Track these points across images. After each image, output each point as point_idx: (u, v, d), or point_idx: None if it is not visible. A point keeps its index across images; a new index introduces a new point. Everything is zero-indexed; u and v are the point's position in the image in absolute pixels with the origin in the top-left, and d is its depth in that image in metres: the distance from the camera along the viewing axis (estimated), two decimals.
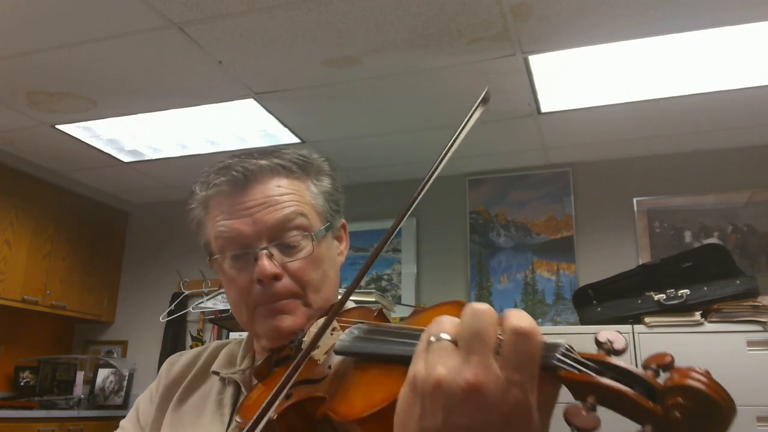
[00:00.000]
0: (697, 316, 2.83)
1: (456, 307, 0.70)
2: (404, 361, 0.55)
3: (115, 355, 4.82)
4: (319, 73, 2.98)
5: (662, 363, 0.46)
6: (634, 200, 3.87)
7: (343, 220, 0.98)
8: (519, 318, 0.49)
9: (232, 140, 3.79)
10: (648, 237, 3.80)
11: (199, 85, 3.12)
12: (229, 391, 0.93)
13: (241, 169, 0.87)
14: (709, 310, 2.84)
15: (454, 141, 0.70)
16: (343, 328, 0.76)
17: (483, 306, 0.50)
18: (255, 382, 0.86)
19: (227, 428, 0.88)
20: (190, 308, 4.45)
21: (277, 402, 0.63)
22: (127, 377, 4.56)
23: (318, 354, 0.74)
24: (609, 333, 0.50)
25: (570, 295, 3.72)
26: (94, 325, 4.94)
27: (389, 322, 0.82)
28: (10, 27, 2.66)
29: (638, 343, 2.86)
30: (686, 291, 2.86)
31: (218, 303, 4.20)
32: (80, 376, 4.56)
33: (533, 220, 4.08)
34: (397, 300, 4.10)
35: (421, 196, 0.69)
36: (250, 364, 0.94)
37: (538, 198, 4.10)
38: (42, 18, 2.59)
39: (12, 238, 4.11)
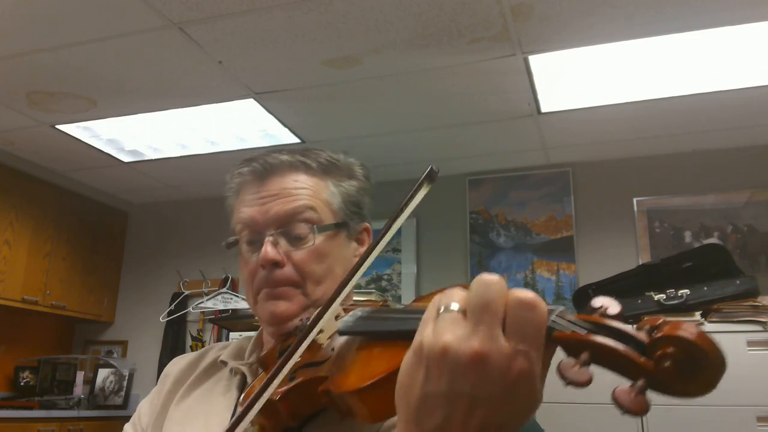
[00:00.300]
0: (697, 316, 2.83)
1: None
2: (405, 336, 0.56)
3: (115, 355, 4.82)
4: (319, 73, 2.98)
5: (655, 324, 0.47)
6: (634, 200, 3.87)
7: (366, 225, 1.01)
8: (523, 291, 0.50)
9: (232, 140, 3.79)
10: (648, 237, 3.80)
11: (199, 85, 3.12)
12: (236, 381, 0.95)
13: (262, 161, 0.95)
14: (709, 310, 2.84)
15: (396, 218, 0.71)
16: (347, 313, 0.77)
17: (492, 277, 0.51)
18: (261, 371, 0.88)
19: (232, 415, 0.89)
20: (190, 308, 4.46)
21: (275, 382, 0.63)
22: (127, 377, 4.56)
23: (322, 338, 0.75)
24: (604, 299, 0.50)
25: (570, 295, 3.72)
26: (94, 325, 4.94)
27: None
28: (10, 27, 2.66)
29: None
30: (686, 291, 2.86)
31: (218, 303, 4.20)
32: (80, 376, 4.56)
33: (533, 220, 4.08)
34: (397, 300, 4.10)
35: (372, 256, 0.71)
36: (258, 356, 0.96)
37: (538, 198, 4.10)
38: (42, 18, 2.59)
39: (12, 238, 4.11)
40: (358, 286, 4.25)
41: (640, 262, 3.57)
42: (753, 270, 3.47)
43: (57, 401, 4.27)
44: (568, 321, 0.50)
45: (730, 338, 2.75)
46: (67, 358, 4.76)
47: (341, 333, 0.73)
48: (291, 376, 0.71)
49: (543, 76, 3.00)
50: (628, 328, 0.47)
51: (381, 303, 0.87)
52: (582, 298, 3.24)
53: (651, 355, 0.45)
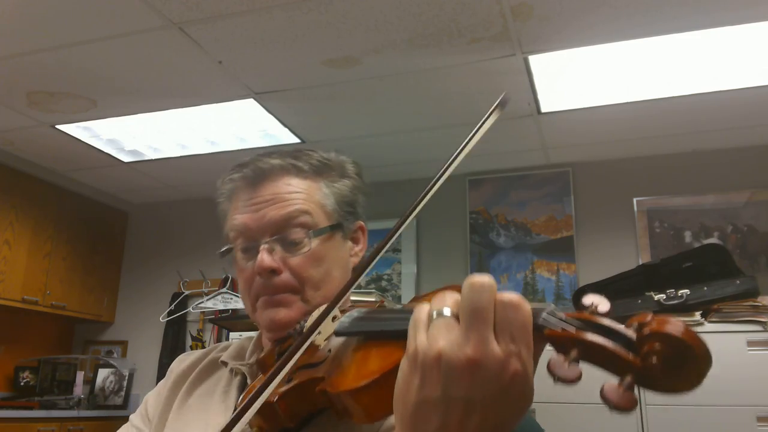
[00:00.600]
0: (697, 316, 2.83)
1: (457, 290, 0.71)
2: (401, 336, 0.56)
3: (115, 355, 4.82)
4: (319, 73, 2.98)
5: (644, 321, 0.47)
6: (634, 200, 3.87)
7: (361, 223, 1.01)
8: (507, 293, 0.51)
9: (232, 140, 3.79)
10: (648, 237, 3.80)
11: (199, 85, 3.12)
12: (236, 382, 0.96)
13: (253, 167, 0.93)
14: (709, 310, 2.84)
15: (468, 143, 0.71)
16: (343, 314, 0.77)
17: (482, 279, 0.51)
18: (260, 374, 0.88)
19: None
20: (190, 308, 4.46)
21: (273, 384, 0.63)
22: (127, 377, 4.56)
23: (319, 340, 0.75)
24: (593, 296, 0.51)
25: (570, 295, 3.72)
26: (94, 325, 4.94)
27: None
28: (10, 27, 2.66)
29: None
30: (686, 291, 2.86)
31: (218, 303, 4.20)
32: (80, 376, 4.56)
33: (533, 220, 4.08)
34: (397, 300, 4.10)
35: (426, 198, 0.70)
36: (258, 357, 0.96)
37: (538, 198, 4.10)
38: (42, 18, 2.59)
39: (12, 238, 4.11)
40: (357, 286, 4.25)
41: (640, 262, 3.57)
42: (753, 270, 3.47)
43: (57, 401, 4.27)
44: (558, 319, 0.50)
45: (730, 338, 2.75)
46: (67, 358, 4.76)
47: (338, 334, 0.73)
48: (288, 377, 0.71)
49: (543, 76, 3.00)
50: (617, 325, 0.48)
51: (378, 304, 0.86)
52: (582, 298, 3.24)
53: (638, 352, 0.45)
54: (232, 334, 3.83)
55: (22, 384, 4.41)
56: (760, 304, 2.78)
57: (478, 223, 4.19)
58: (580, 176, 4.05)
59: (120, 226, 5.08)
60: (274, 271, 0.89)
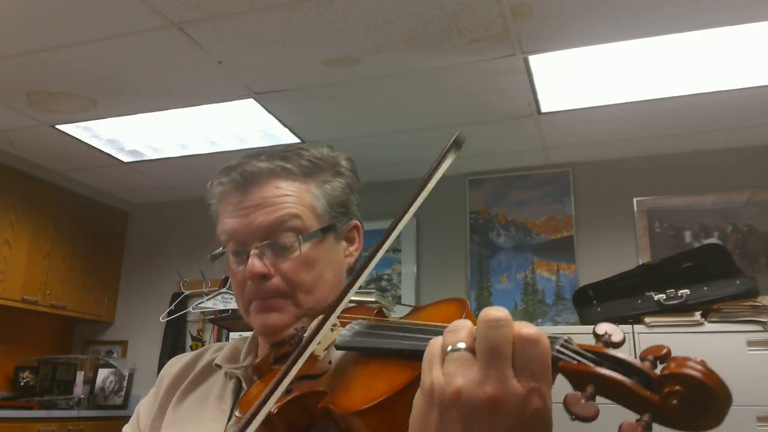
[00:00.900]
0: (697, 316, 2.83)
1: (457, 306, 0.70)
2: (406, 355, 0.56)
3: (115, 355, 4.82)
4: (319, 73, 2.98)
5: (659, 354, 0.47)
6: (634, 200, 3.87)
7: (355, 221, 0.99)
8: (525, 326, 0.50)
9: (232, 140, 3.79)
10: (648, 237, 3.80)
11: (199, 85, 3.12)
12: (231, 386, 0.94)
13: (240, 171, 0.92)
14: (709, 310, 2.84)
15: (424, 186, 0.71)
16: (343, 325, 0.76)
17: (498, 314, 0.50)
18: (255, 378, 0.87)
19: (228, 422, 0.89)
20: (190, 308, 4.45)
21: (274, 397, 0.63)
22: (127, 377, 4.56)
23: (319, 350, 0.74)
24: (607, 326, 0.51)
25: (570, 295, 3.72)
26: (94, 325, 4.94)
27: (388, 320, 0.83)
28: (10, 27, 2.66)
29: (638, 343, 2.86)
30: (686, 291, 2.86)
31: (218, 303, 4.20)
32: (80, 376, 4.56)
33: (533, 220, 4.08)
34: (397, 300, 4.10)
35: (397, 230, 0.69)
36: (253, 360, 0.96)
37: (538, 198, 4.10)
38: (42, 18, 2.59)
39: (12, 238, 4.11)
40: (354, 285, 4.24)
41: (640, 262, 3.57)
42: (753, 270, 3.47)
43: (57, 401, 4.27)
44: (573, 351, 0.50)
45: (730, 338, 2.75)
46: (67, 358, 4.76)
47: (338, 347, 0.72)
48: (288, 388, 0.71)
49: (543, 76, 3.00)
50: (633, 360, 0.47)
51: (375, 310, 0.84)
52: (582, 298, 3.24)
53: (657, 391, 0.45)
54: (232, 334, 3.83)
55: (22, 384, 4.41)
56: (760, 304, 2.78)
57: (478, 223, 4.19)
58: (580, 176, 4.05)
59: (120, 226, 5.08)
60: (264, 277, 0.88)
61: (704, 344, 2.77)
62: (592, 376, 0.47)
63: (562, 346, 0.50)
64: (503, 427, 0.48)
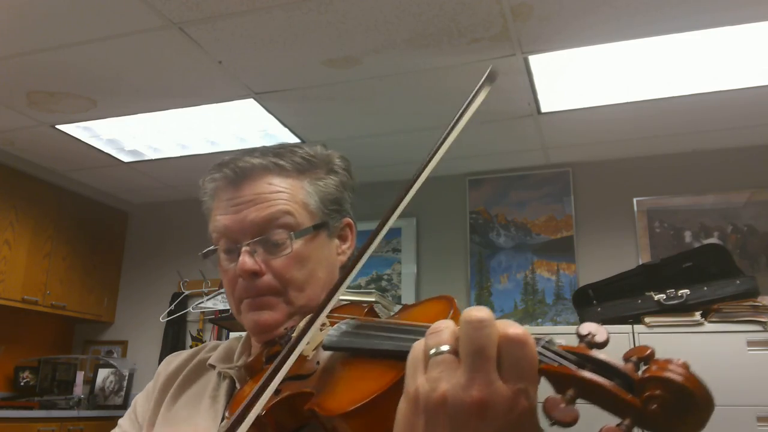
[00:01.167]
0: (697, 316, 2.83)
1: (444, 304, 0.69)
2: (391, 356, 0.55)
3: (115, 355, 4.82)
4: (319, 73, 2.98)
5: (642, 355, 0.46)
6: (634, 200, 3.87)
7: (348, 219, 0.99)
8: (511, 326, 0.48)
9: (232, 140, 3.79)
10: (648, 237, 3.80)
11: (199, 85, 3.12)
12: (224, 386, 0.94)
13: (232, 167, 0.91)
14: (709, 310, 2.84)
15: (458, 120, 0.69)
16: (333, 324, 0.75)
17: (480, 314, 0.49)
18: (248, 378, 0.87)
19: (221, 422, 0.89)
20: (190, 308, 4.45)
21: (263, 398, 0.63)
22: (127, 377, 4.56)
23: (307, 350, 0.74)
24: (591, 326, 0.50)
25: (570, 295, 3.72)
26: (94, 325, 4.94)
27: (380, 318, 0.82)
28: (10, 27, 2.66)
29: (638, 343, 2.86)
30: (686, 291, 2.86)
31: (218, 303, 4.20)
32: (80, 376, 4.56)
33: (533, 220, 4.08)
34: (397, 300, 4.10)
35: (419, 182, 0.68)
36: (246, 360, 0.95)
37: (538, 198, 4.10)
38: (42, 18, 2.59)
39: (12, 238, 4.11)
40: (357, 286, 4.24)
41: (640, 262, 3.57)
42: (753, 270, 3.47)
43: (57, 401, 4.27)
44: (555, 352, 0.49)
45: (730, 338, 2.75)
46: (67, 358, 4.76)
47: (326, 348, 0.71)
48: (276, 389, 0.70)
49: (543, 76, 3.00)
50: (616, 362, 0.46)
51: (367, 308, 0.84)
52: (582, 298, 3.24)
53: (638, 394, 0.44)
54: (232, 334, 3.83)
55: (22, 384, 4.41)
56: (760, 304, 2.78)
57: (478, 223, 4.19)
58: (580, 176, 4.05)
59: (120, 226, 5.08)
60: (256, 274, 0.87)
61: (704, 344, 2.77)
62: (573, 379, 0.46)
63: (543, 347, 0.49)
64: (491, 429, 0.47)
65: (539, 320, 3.87)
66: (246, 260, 0.86)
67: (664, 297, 2.89)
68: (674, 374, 0.43)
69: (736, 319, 2.78)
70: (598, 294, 3.16)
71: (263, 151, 0.93)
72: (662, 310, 2.88)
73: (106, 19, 2.59)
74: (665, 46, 2.71)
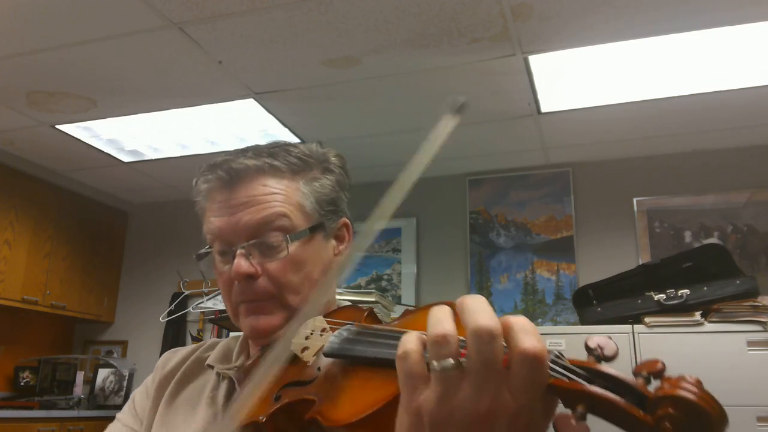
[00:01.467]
0: (697, 316, 2.83)
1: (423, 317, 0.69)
2: (390, 365, 0.54)
3: (115, 355, 4.82)
4: (319, 73, 2.98)
5: (653, 370, 0.46)
6: (634, 200, 3.87)
7: (345, 219, 0.97)
8: (529, 340, 0.46)
9: (232, 140, 3.79)
10: (648, 237, 3.80)
11: (199, 85, 3.12)
12: (223, 387, 0.93)
13: (226, 168, 0.89)
14: (709, 310, 2.84)
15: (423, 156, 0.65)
16: (333, 329, 0.75)
17: (488, 325, 0.47)
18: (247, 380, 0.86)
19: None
20: (190, 308, 4.45)
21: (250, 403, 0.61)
22: (127, 377, 4.56)
23: (307, 356, 0.73)
24: (599, 339, 0.49)
25: (570, 295, 3.72)
26: (94, 325, 4.94)
27: (380, 322, 0.82)
28: (10, 27, 2.66)
29: (638, 343, 2.86)
30: (686, 291, 2.86)
31: (218, 303, 4.20)
32: (80, 376, 4.56)
33: (533, 220, 4.08)
34: (397, 300, 4.09)
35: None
36: (245, 361, 0.94)
37: (538, 198, 4.10)
38: (42, 18, 2.59)
39: (12, 238, 4.11)
40: (357, 286, 4.25)
41: (640, 262, 3.57)
42: (753, 270, 3.47)
43: (57, 401, 4.27)
44: (564, 367, 0.48)
45: (730, 338, 2.75)
46: (67, 358, 4.76)
47: (326, 355, 0.70)
48: (276, 395, 0.70)
49: (543, 76, 3.00)
50: (627, 378, 0.46)
51: (366, 311, 0.82)
52: (582, 298, 3.24)
53: (651, 412, 0.44)
54: (232, 334, 3.82)
55: (22, 384, 4.41)
56: (760, 304, 2.78)
57: (478, 223, 4.19)
58: (580, 176, 4.05)
59: (120, 226, 5.08)
60: (251, 277, 0.86)
61: (704, 344, 2.77)
62: (584, 395, 0.45)
63: (552, 362, 0.48)
64: None
65: (539, 320, 3.87)
66: (241, 263, 0.85)
67: (664, 297, 2.89)
68: (688, 393, 0.43)
69: (736, 319, 2.78)
70: (598, 294, 3.16)
71: (257, 151, 0.91)
72: (662, 310, 2.88)
73: (106, 19, 2.59)
74: (665, 46, 2.71)
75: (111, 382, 4.56)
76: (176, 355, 1.04)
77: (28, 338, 4.61)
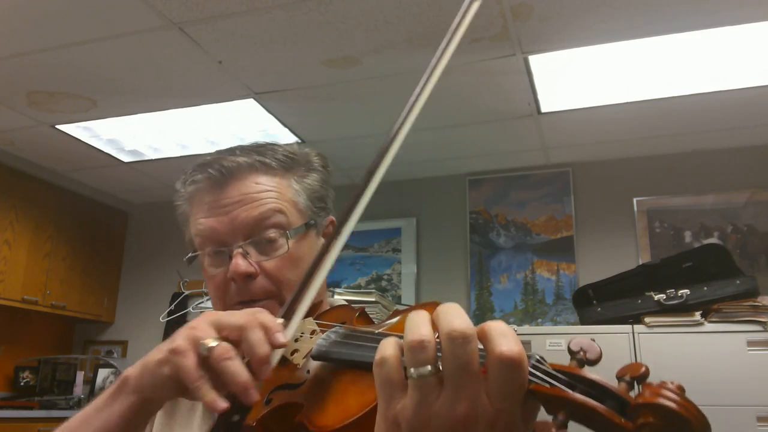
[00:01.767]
0: (697, 316, 2.83)
1: (430, 311, 0.69)
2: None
3: (115, 355, 4.82)
4: (319, 73, 2.98)
5: (636, 375, 0.45)
6: (634, 200, 3.87)
7: (332, 218, 0.97)
8: (506, 343, 0.45)
9: (232, 140, 3.78)
10: (648, 237, 3.80)
11: (199, 85, 3.12)
12: None
13: (218, 167, 0.87)
14: (709, 310, 2.84)
15: (451, 38, 0.65)
16: (323, 332, 0.74)
17: (462, 327, 0.46)
18: None
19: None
20: (190, 308, 4.45)
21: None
22: None
23: (297, 358, 0.72)
24: (582, 341, 0.48)
25: (570, 295, 3.72)
26: (94, 325, 4.94)
27: (371, 322, 0.81)
28: (10, 27, 2.66)
29: (638, 343, 2.86)
30: (686, 291, 2.86)
31: None
32: (80, 376, 4.56)
33: (533, 220, 4.08)
34: (397, 300, 4.10)
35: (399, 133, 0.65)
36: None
37: (538, 198, 4.10)
38: (42, 18, 2.59)
39: (12, 238, 4.11)
40: (357, 286, 4.25)
41: (640, 262, 3.57)
42: (753, 270, 3.47)
43: (57, 401, 4.27)
44: (545, 372, 0.47)
45: (730, 338, 2.75)
46: (67, 358, 4.76)
47: (314, 358, 0.70)
48: (267, 398, 0.69)
49: (543, 76, 3.00)
50: (608, 383, 0.45)
51: (358, 311, 0.81)
52: (582, 298, 3.24)
53: (632, 419, 0.43)
54: None
55: (22, 384, 4.41)
56: (760, 304, 2.78)
57: (478, 223, 4.19)
58: (580, 176, 4.05)
59: (120, 226, 5.08)
60: (249, 277, 0.84)
61: (704, 344, 2.77)
62: (565, 401, 0.44)
63: (533, 366, 0.47)
64: None
65: (539, 320, 3.87)
66: (239, 263, 0.83)
67: (664, 297, 2.89)
68: (668, 401, 0.42)
69: (736, 319, 2.78)
70: (598, 294, 3.16)
71: (245, 150, 0.90)
72: (662, 310, 2.88)
73: (106, 19, 2.59)
74: (665, 46, 2.71)
75: (111, 382, 4.55)
76: None
77: (28, 338, 4.61)
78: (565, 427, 0.44)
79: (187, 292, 4.54)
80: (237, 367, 0.56)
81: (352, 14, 2.53)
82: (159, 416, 0.95)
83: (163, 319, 4.47)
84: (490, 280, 4.06)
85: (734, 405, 2.64)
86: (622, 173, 3.95)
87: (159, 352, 0.63)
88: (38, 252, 4.31)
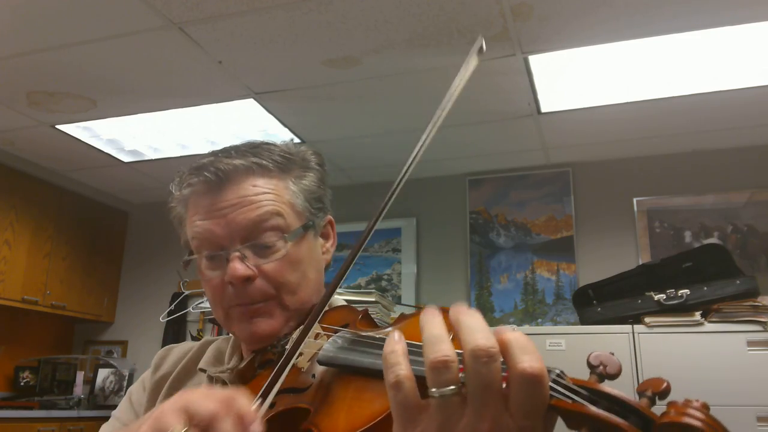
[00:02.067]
0: (697, 316, 2.83)
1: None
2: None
3: (115, 355, 4.82)
4: (319, 73, 2.98)
5: (658, 390, 0.45)
6: (634, 200, 3.87)
7: (329, 217, 0.96)
8: (528, 360, 0.45)
9: (232, 140, 3.74)
10: (648, 237, 3.80)
11: (199, 85, 3.12)
12: None
13: (213, 170, 0.86)
14: (709, 310, 2.84)
15: (450, 100, 0.66)
16: (327, 335, 0.73)
17: (486, 345, 0.45)
18: (240, 385, 0.83)
19: None
20: (190, 308, 4.45)
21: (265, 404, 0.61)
22: (127, 377, 4.56)
23: (302, 362, 0.71)
24: (602, 355, 0.48)
25: (570, 295, 3.73)
26: (94, 325, 4.94)
27: (375, 324, 0.80)
28: (10, 27, 2.66)
29: (638, 343, 2.86)
30: (686, 291, 2.86)
31: None
32: (80, 376, 4.56)
33: (533, 220, 4.08)
34: (397, 300, 4.10)
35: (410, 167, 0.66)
36: (237, 363, 0.93)
37: (538, 198, 4.10)
38: (42, 18, 2.59)
39: (12, 238, 4.11)
40: (357, 286, 4.24)
41: (640, 262, 3.57)
42: (753, 270, 3.47)
43: (57, 401, 4.27)
44: (566, 387, 0.47)
45: (730, 338, 2.75)
46: (67, 358, 4.76)
47: (320, 363, 0.69)
48: (271, 402, 0.68)
49: (543, 76, 3.00)
50: (630, 399, 0.45)
51: (361, 312, 0.81)
52: (582, 298, 3.24)
53: None
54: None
55: (22, 384, 4.41)
56: (760, 304, 2.78)
57: (478, 223, 4.19)
58: (580, 176, 4.05)
59: (120, 226, 5.08)
60: (248, 279, 0.83)
61: (704, 344, 2.77)
62: (587, 417, 0.44)
63: (554, 381, 0.47)
64: None
65: (539, 320, 3.87)
66: (237, 266, 0.82)
67: (664, 297, 2.89)
68: (696, 420, 0.41)
69: (736, 319, 2.78)
70: (598, 294, 3.16)
71: (240, 151, 0.89)
72: (662, 310, 2.88)
73: (106, 19, 2.59)
74: (665, 46, 2.71)
75: (111, 382, 4.56)
76: (171, 353, 1.03)
77: (28, 338, 4.61)
78: None
79: (187, 292, 4.55)
80: None
81: (352, 14, 2.53)
82: (162, 394, 0.94)
83: (163, 319, 4.48)
84: (490, 280, 4.06)
85: (734, 405, 2.64)
86: (622, 173, 3.95)
87: None
88: (38, 252, 4.31)
